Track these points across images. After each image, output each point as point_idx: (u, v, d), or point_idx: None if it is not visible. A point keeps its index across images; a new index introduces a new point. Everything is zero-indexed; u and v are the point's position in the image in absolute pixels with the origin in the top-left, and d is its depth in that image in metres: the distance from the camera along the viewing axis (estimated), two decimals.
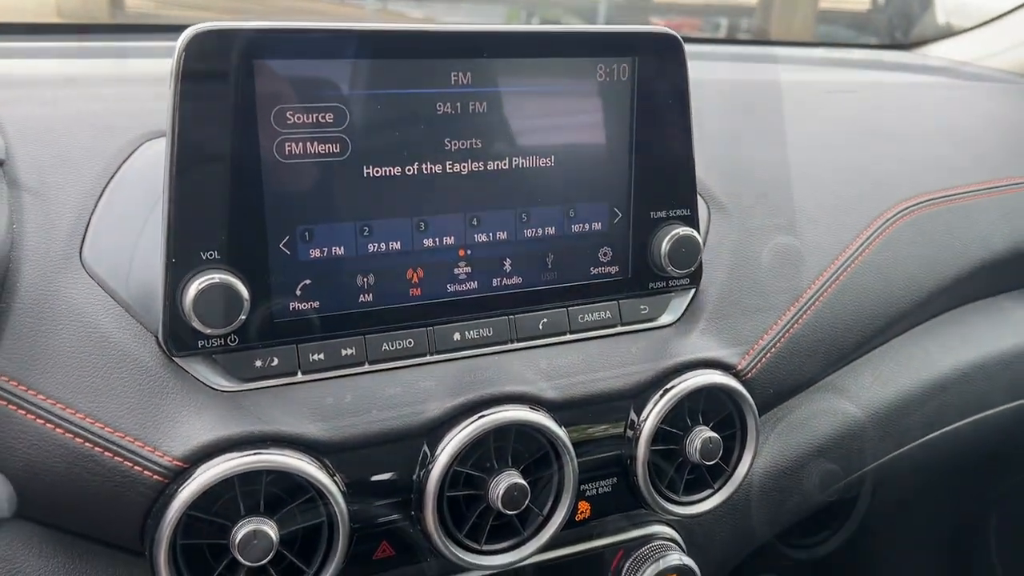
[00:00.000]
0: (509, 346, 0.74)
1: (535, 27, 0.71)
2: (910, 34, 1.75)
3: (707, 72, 1.15)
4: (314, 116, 0.64)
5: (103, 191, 0.69)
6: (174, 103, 0.60)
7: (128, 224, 0.68)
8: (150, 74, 0.86)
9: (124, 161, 0.72)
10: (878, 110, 1.18)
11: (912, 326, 1.01)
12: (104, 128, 0.74)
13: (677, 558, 0.81)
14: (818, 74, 1.41)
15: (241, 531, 0.61)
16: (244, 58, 0.61)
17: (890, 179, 1.01)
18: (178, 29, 0.61)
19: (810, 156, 1.01)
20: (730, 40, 1.73)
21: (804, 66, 1.47)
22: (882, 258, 0.93)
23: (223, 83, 0.61)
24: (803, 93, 1.19)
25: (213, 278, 0.61)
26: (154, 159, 0.72)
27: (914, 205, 0.98)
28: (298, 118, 0.63)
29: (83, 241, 0.66)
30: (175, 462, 0.61)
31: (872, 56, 1.61)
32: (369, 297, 0.69)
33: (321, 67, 0.64)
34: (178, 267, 0.62)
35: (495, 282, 0.73)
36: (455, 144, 0.69)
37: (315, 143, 0.64)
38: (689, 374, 0.77)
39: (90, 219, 0.67)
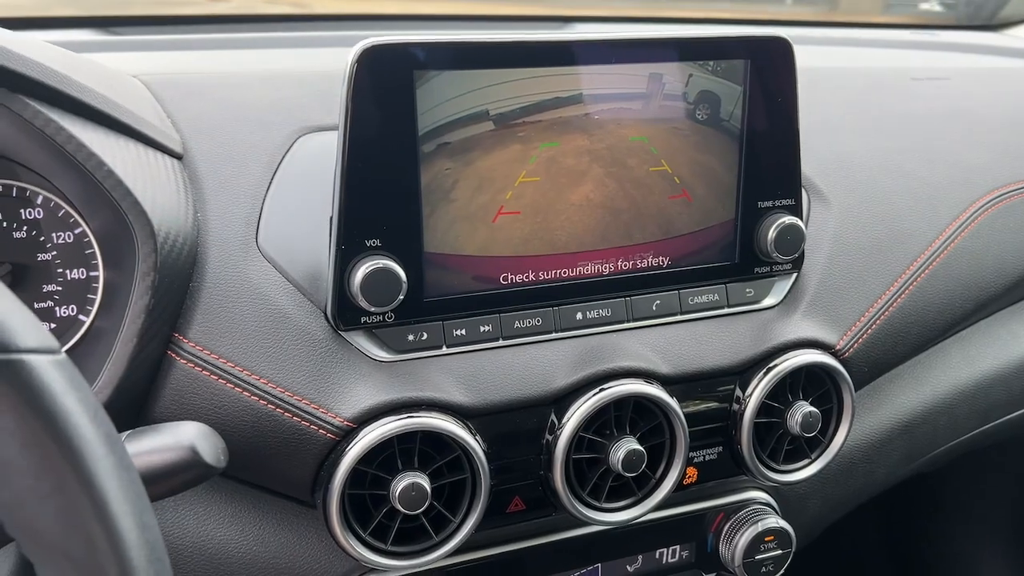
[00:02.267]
0: (626, 325, 0.81)
1: (658, 33, 0.77)
2: (998, 14, 1.74)
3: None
4: (467, 123, 0.71)
5: (270, 183, 0.78)
6: (346, 109, 0.68)
7: (294, 213, 0.77)
8: (292, 71, 0.94)
9: (284, 156, 0.81)
10: (967, 96, 1.21)
11: (1000, 308, 1.05)
12: (262, 124, 0.83)
13: (774, 521, 0.88)
14: (904, 57, 1.44)
15: (400, 483, 0.70)
16: (405, 69, 0.69)
17: (981, 167, 1.04)
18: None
19: (902, 144, 1.05)
20: (814, 23, 1.75)
21: (889, 49, 1.50)
22: (974, 244, 0.97)
23: (388, 91, 0.68)
24: (891, 79, 1.23)
25: (378, 263, 0.70)
26: (310, 153, 0.81)
27: (1006, 193, 1.02)
28: (452, 124, 0.71)
29: (257, 228, 0.75)
30: (346, 423, 0.70)
31: (958, 38, 1.62)
32: (504, 281, 0.77)
33: (474, 76, 0.71)
34: (346, 253, 0.70)
35: (613, 267, 0.80)
36: (580, 143, 0.76)
37: (466, 148, 0.72)
38: (791, 353, 0.84)
39: (262, 208, 0.76)
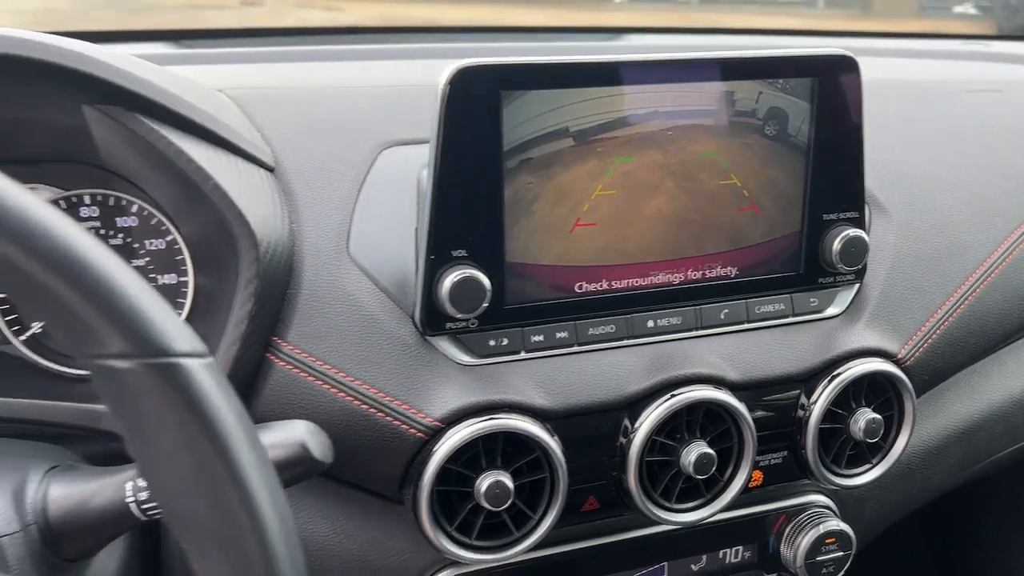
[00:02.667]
0: (695, 333, 0.84)
1: (733, 53, 0.80)
2: None
3: None
4: (548, 139, 0.75)
5: (358, 194, 0.82)
6: (439, 127, 0.72)
7: (379, 224, 0.81)
8: (369, 85, 0.98)
9: (369, 168, 0.85)
10: (1020, 107, 1.22)
11: None
12: (347, 138, 0.87)
13: (835, 523, 0.91)
14: (954, 69, 1.45)
15: (485, 482, 0.73)
16: (494, 88, 0.72)
17: None
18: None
19: (957, 157, 1.07)
20: (866, 33, 1.77)
21: (938, 60, 1.51)
22: None
23: (477, 110, 0.72)
24: (944, 91, 1.24)
25: (465, 272, 0.73)
26: (392, 166, 0.85)
27: None
28: (534, 141, 0.75)
29: (348, 237, 0.79)
30: (435, 422, 0.74)
31: (1007, 49, 1.62)
32: (578, 290, 0.80)
33: (556, 95, 0.75)
34: (436, 262, 0.74)
35: (683, 277, 0.83)
36: (654, 158, 0.79)
37: (547, 163, 0.76)
38: (855, 361, 0.86)
39: (351, 219, 0.80)
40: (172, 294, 0.84)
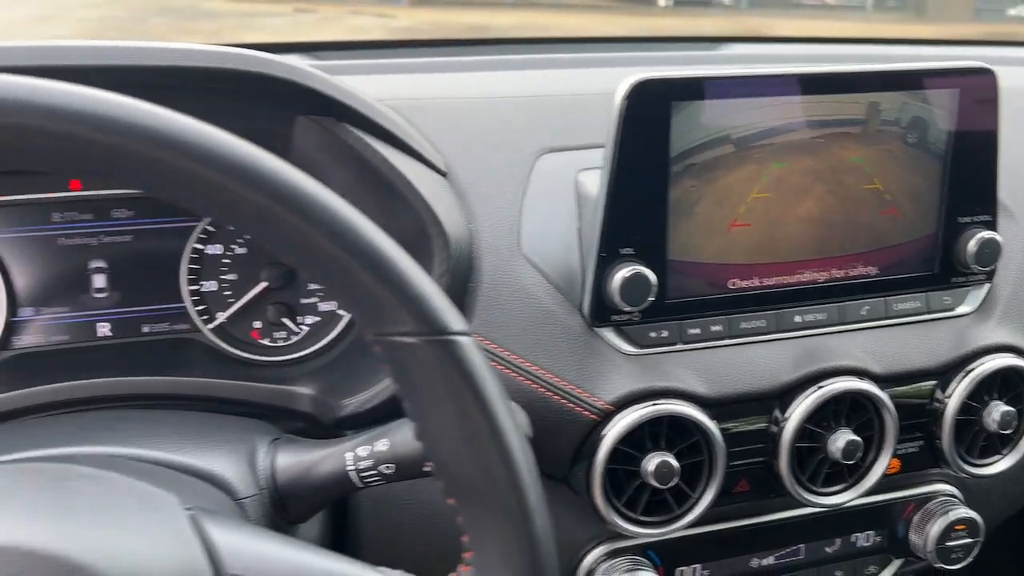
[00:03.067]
0: (838, 328, 0.90)
1: (883, 66, 0.86)
2: None
3: None
4: (711, 146, 0.81)
5: (523, 197, 0.89)
6: (616, 135, 0.78)
7: (543, 224, 0.87)
8: (521, 95, 1.05)
9: (530, 173, 0.91)
10: None
11: None
12: (508, 145, 0.93)
13: (964, 511, 0.95)
14: None
15: (653, 461, 0.80)
16: (665, 100, 0.79)
17: None
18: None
19: None
20: (957, 41, 1.80)
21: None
22: None
23: (649, 120, 0.79)
24: None
25: (635, 269, 0.80)
26: (551, 170, 0.91)
27: None
28: (698, 148, 0.81)
29: (519, 236, 0.86)
30: (607, 406, 0.81)
31: None
32: (731, 286, 0.86)
33: (719, 105, 0.81)
34: (606, 259, 0.81)
35: (828, 275, 0.89)
36: (806, 164, 0.85)
37: (709, 168, 0.82)
38: (987, 357, 0.91)
39: (520, 219, 0.87)
40: None
